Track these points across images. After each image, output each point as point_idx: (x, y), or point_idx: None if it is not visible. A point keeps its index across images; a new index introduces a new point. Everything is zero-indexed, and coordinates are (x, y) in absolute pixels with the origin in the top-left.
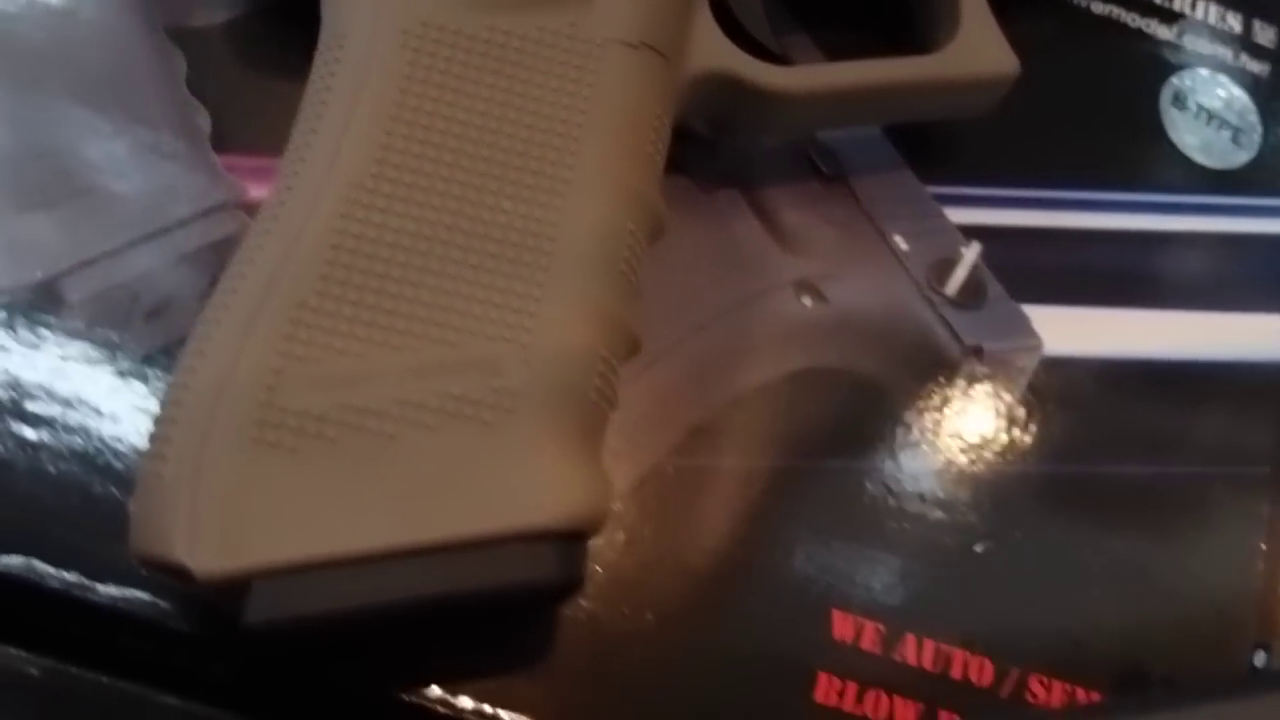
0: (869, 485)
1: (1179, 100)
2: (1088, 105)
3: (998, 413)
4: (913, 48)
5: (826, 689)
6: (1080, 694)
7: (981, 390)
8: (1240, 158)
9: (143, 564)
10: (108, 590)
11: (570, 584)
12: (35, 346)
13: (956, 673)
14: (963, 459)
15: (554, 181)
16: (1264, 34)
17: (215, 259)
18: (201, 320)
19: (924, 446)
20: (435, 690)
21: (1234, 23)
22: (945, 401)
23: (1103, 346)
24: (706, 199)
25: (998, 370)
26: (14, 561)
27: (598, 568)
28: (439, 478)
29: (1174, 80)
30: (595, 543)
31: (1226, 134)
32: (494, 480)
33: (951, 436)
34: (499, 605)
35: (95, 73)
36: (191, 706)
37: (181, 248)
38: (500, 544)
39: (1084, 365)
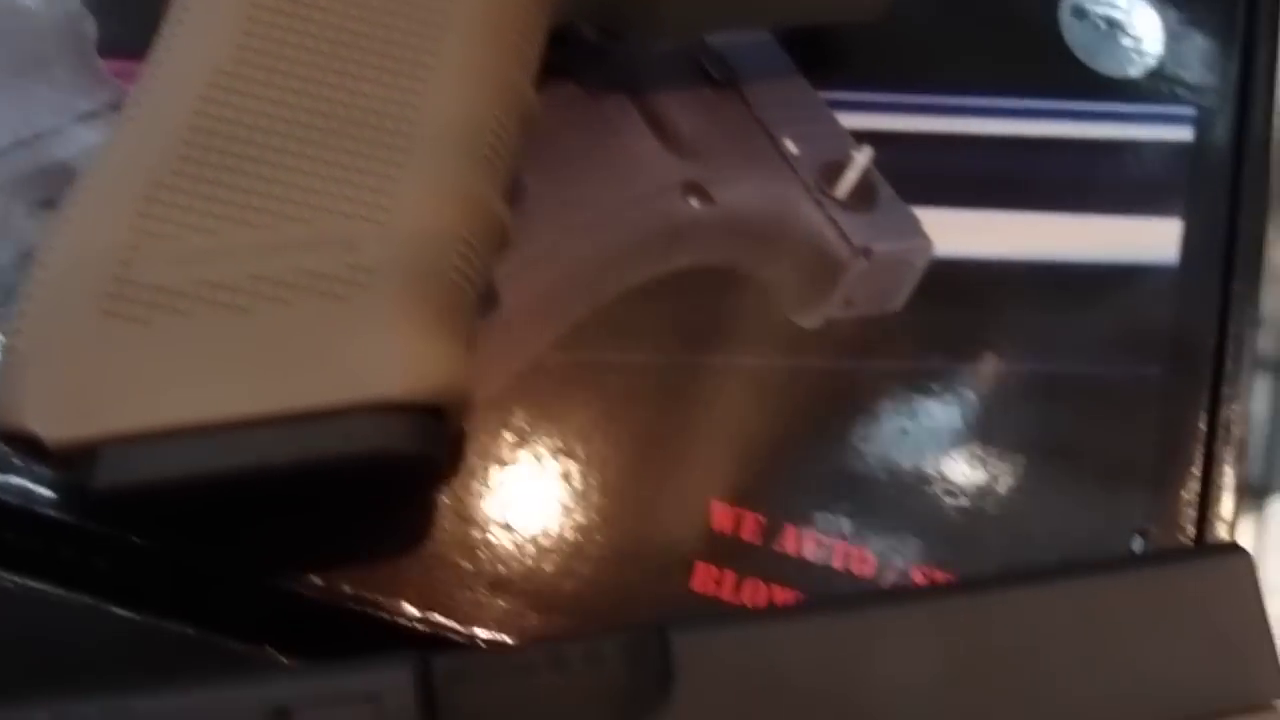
0: (752, 381)
1: (1079, 13)
2: (984, 11)
3: (883, 310)
4: None
5: (704, 578)
6: None
7: (866, 288)
8: (1138, 67)
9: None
10: None
11: (426, 459)
12: None
13: (838, 563)
14: (848, 355)
15: (415, 66)
16: None
17: None
18: (64, 202)
19: (810, 343)
20: (312, 577)
21: None
22: (830, 299)
23: (994, 248)
24: (595, 105)
25: (886, 270)
26: None
27: (476, 457)
28: (291, 349)
29: None
30: (476, 434)
31: (1127, 43)
32: (347, 353)
33: (838, 333)
34: (361, 482)
35: None
36: (75, 598)
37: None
38: (351, 414)
39: (975, 266)
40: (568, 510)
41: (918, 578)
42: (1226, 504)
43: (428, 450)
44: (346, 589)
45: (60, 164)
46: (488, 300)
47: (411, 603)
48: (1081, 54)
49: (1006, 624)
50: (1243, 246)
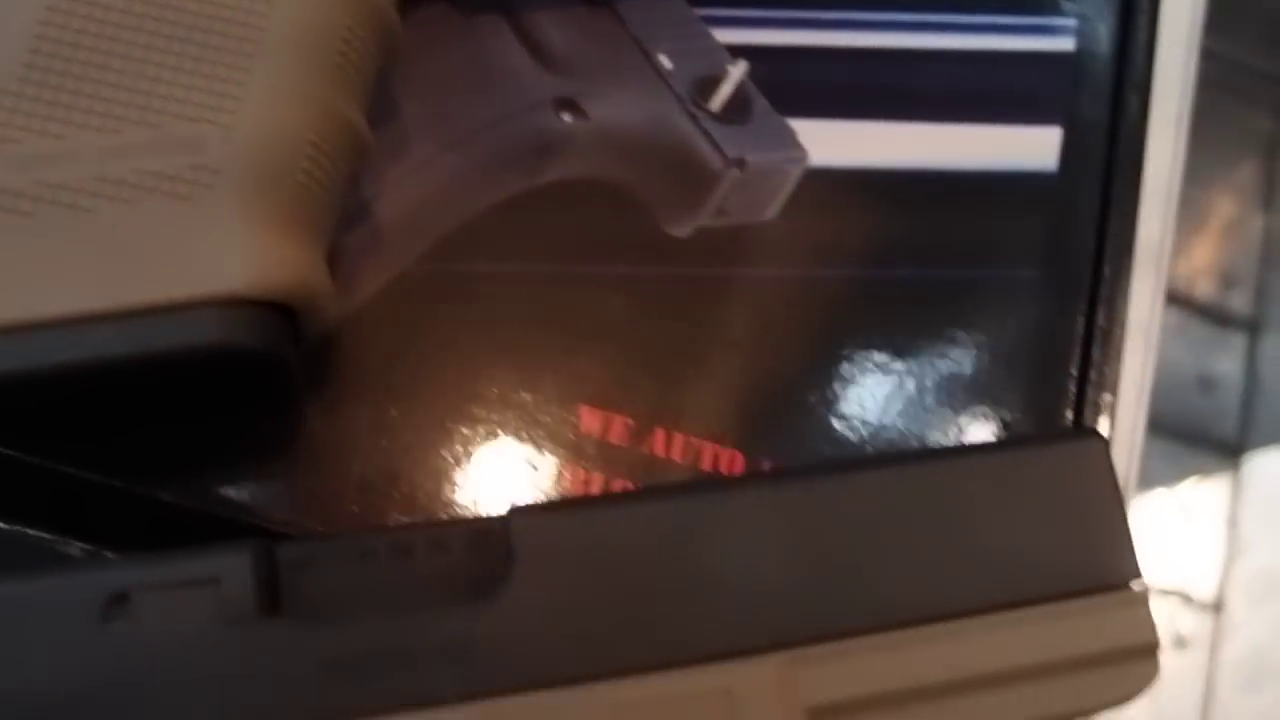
0: (623, 289)
1: None
2: None
3: (756, 219)
4: None
5: (572, 480)
6: None
7: (740, 199)
8: None
9: None
10: None
11: (272, 354)
12: None
13: (707, 464)
14: (719, 263)
15: None
16: None
17: None
18: None
19: (682, 252)
20: (179, 485)
21: None
22: (703, 210)
23: (869, 158)
24: (468, 22)
25: (760, 181)
26: None
27: (345, 366)
28: (135, 248)
29: None
30: (344, 343)
31: None
32: (190, 250)
33: (710, 242)
34: (219, 385)
35: None
36: None
37: None
38: (194, 308)
39: (852, 175)
40: (435, 416)
41: None
42: (1102, 403)
43: (274, 345)
44: (214, 496)
45: None
46: (358, 213)
47: (279, 509)
48: None
49: (858, 506)
50: (1123, 154)
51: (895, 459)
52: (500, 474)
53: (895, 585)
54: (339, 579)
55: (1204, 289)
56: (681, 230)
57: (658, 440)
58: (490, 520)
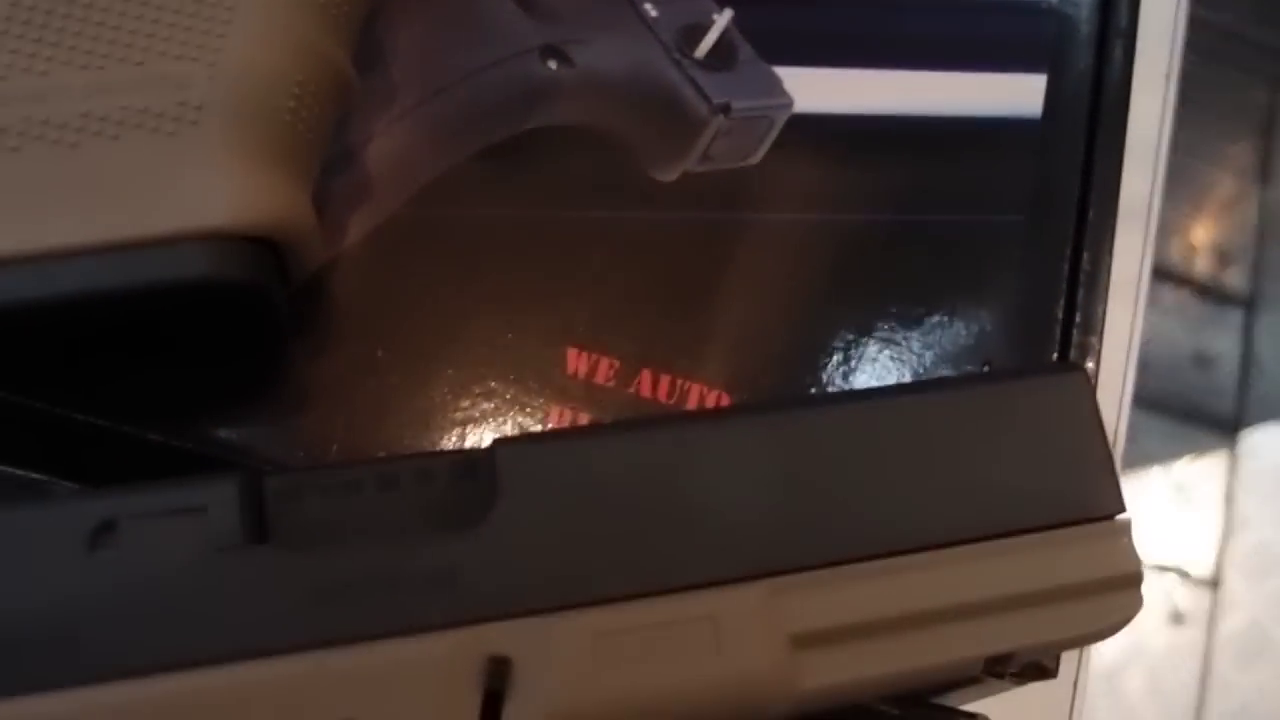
0: (608, 233)
1: None
2: None
3: (742, 164)
4: None
5: (558, 420)
6: None
7: (725, 145)
8: None
9: None
10: None
11: (256, 287)
12: None
13: (694, 405)
14: (705, 208)
15: None
16: None
17: None
18: None
19: (668, 198)
20: (168, 425)
21: None
22: (689, 156)
23: (854, 104)
24: None
25: (745, 127)
26: None
27: (332, 308)
28: (120, 183)
29: None
30: (331, 286)
31: None
32: (175, 185)
33: (696, 187)
34: (205, 321)
35: None
36: None
37: None
38: (179, 242)
39: (837, 121)
40: (422, 358)
41: None
42: (1088, 346)
43: (258, 280)
44: (202, 435)
45: None
46: (343, 159)
47: (266, 448)
48: None
49: (842, 437)
50: (1107, 102)
51: (880, 392)
52: (487, 415)
53: (879, 515)
54: (325, 509)
55: (1200, 266)
56: (667, 176)
57: (644, 381)
58: (475, 451)
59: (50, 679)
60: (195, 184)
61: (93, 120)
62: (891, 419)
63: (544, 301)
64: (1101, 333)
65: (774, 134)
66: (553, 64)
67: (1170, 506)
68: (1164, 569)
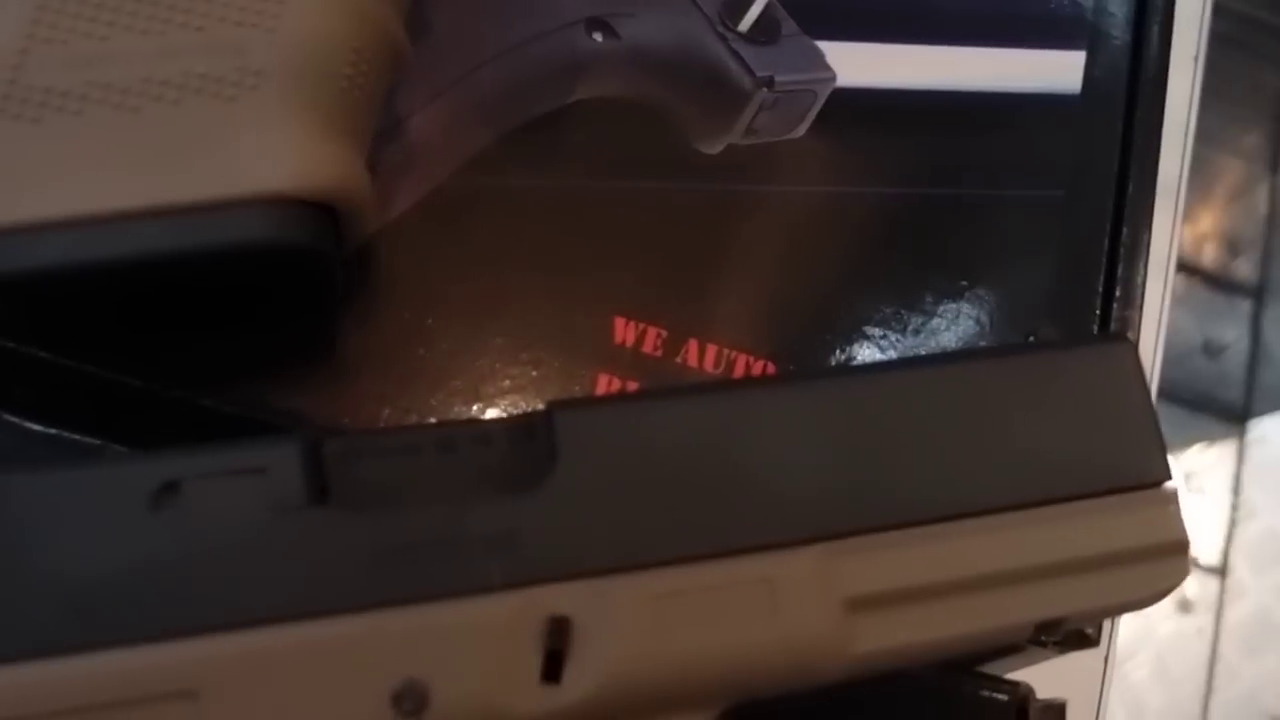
0: (655, 204)
1: None
2: None
3: (786, 137)
4: None
5: (606, 387)
6: None
7: (769, 118)
8: None
9: None
10: None
11: (315, 251)
12: None
13: (740, 374)
14: (750, 180)
15: None
16: None
17: None
18: None
19: (713, 169)
20: (223, 392)
21: None
22: (733, 128)
23: (896, 79)
24: None
25: (788, 100)
26: None
27: (382, 276)
28: (181, 147)
29: None
30: (381, 254)
31: None
32: (235, 149)
33: (741, 159)
34: (259, 287)
35: None
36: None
37: None
38: (240, 206)
39: (880, 95)
40: (472, 326)
41: None
42: (1128, 320)
43: (317, 243)
44: (255, 401)
45: None
46: (393, 130)
47: (319, 414)
48: None
49: (895, 404)
50: (1145, 77)
51: (930, 360)
52: (535, 383)
53: (931, 481)
54: (384, 472)
55: (1210, 255)
56: (713, 148)
57: (691, 351)
58: (533, 415)
59: (115, 636)
60: (255, 148)
61: (153, 85)
62: (943, 386)
63: (591, 271)
64: (1141, 306)
65: (817, 108)
66: (598, 36)
67: (1178, 494)
68: None
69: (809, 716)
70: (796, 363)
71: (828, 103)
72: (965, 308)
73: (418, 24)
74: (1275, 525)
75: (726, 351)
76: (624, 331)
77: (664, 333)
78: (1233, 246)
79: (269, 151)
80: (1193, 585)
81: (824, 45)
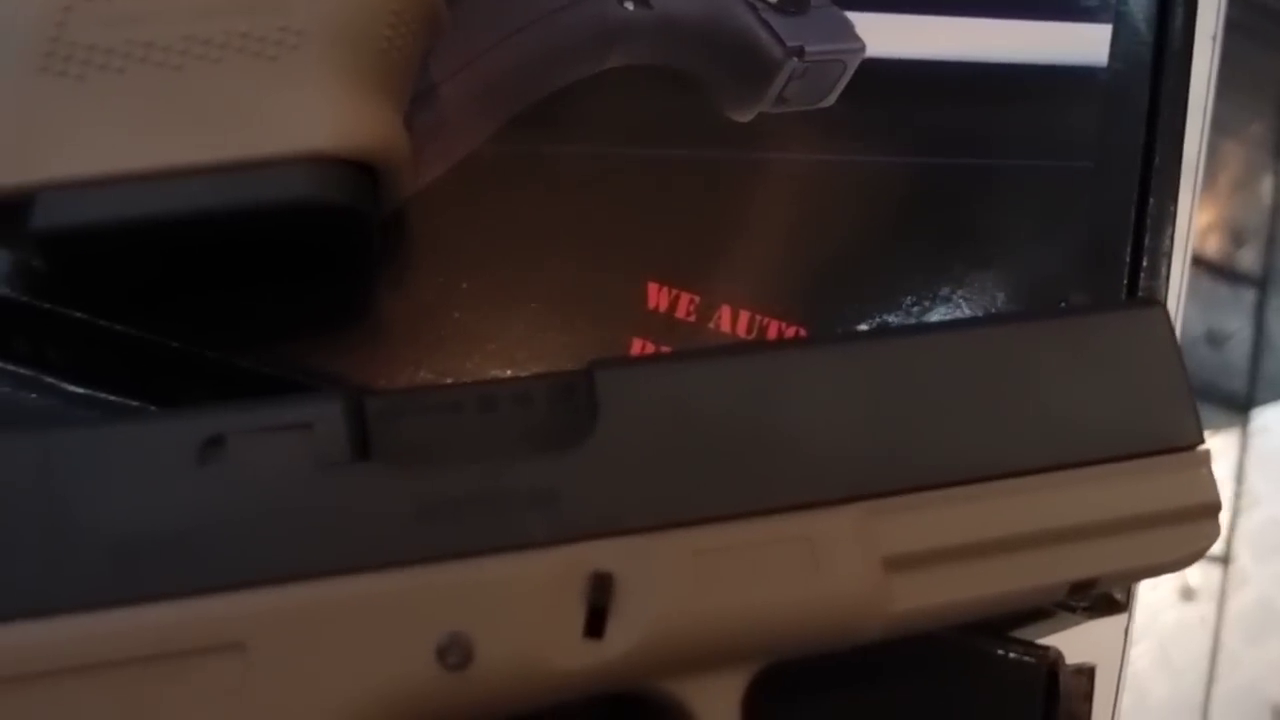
0: (687, 172)
1: None
2: None
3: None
4: None
5: (639, 352)
6: None
7: (799, 87)
8: None
9: None
10: None
11: (354, 211)
12: None
13: (772, 339)
14: (781, 148)
15: None
16: None
17: None
18: None
19: (745, 137)
20: (258, 351)
21: None
22: (764, 97)
23: (929, 50)
24: None
25: (818, 70)
26: None
27: (416, 240)
28: (223, 105)
29: None
30: (415, 219)
31: None
32: (277, 108)
33: (772, 127)
34: (295, 245)
35: None
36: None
37: None
38: (281, 164)
39: (909, 66)
40: (508, 290)
41: None
42: (1155, 290)
43: (357, 202)
44: (291, 362)
45: None
46: (427, 96)
47: (354, 375)
48: None
49: (933, 366)
50: (1170, 50)
51: (967, 323)
52: (570, 348)
53: (968, 442)
54: (426, 429)
55: (1214, 245)
56: (744, 117)
57: (723, 316)
58: (572, 374)
59: (163, 589)
60: (296, 107)
61: (195, 43)
62: (981, 348)
63: (624, 238)
64: (1167, 277)
65: (847, 78)
66: (629, 5)
67: None
68: None
69: (842, 681)
70: (827, 329)
71: (857, 73)
72: (994, 276)
73: None
74: (1278, 514)
75: (758, 318)
76: (657, 297)
77: (696, 298)
78: (1237, 236)
79: (310, 110)
80: (1195, 574)
81: (853, 16)
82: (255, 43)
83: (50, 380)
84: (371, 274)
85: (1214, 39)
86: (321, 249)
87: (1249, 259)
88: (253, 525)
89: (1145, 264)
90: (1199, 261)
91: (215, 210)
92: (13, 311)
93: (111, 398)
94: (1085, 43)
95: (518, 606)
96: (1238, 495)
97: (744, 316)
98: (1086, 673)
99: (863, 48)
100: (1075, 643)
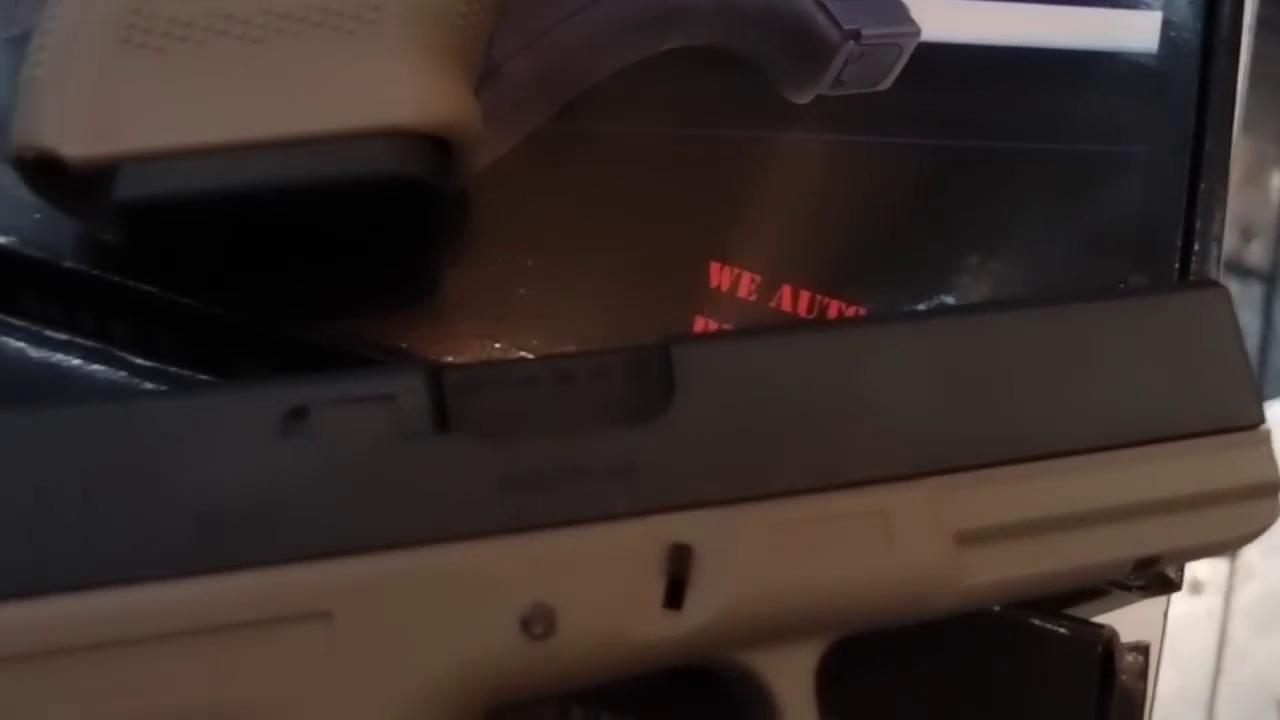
0: (747, 152)
1: None
2: None
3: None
4: None
5: (703, 330)
6: None
7: (856, 70)
8: None
9: (18, 163)
10: None
11: (432, 186)
12: None
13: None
14: (839, 130)
15: None
16: None
17: None
18: None
19: (803, 119)
20: (327, 326)
21: None
22: (822, 79)
23: (982, 35)
24: None
25: (874, 53)
26: None
27: (481, 217)
28: (303, 79)
29: None
30: (480, 196)
31: None
32: (356, 83)
33: (832, 110)
34: (369, 219)
35: None
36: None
37: None
38: (361, 138)
39: (963, 50)
40: (573, 268)
41: None
42: (1203, 274)
43: (435, 177)
44: (360, 338)
45: None
46: (490, 75)
47: (423, 352)
48: None
49: (1001, 344)
50: (1219, 36)
51: (1035, 301)
52: (634, 325)
53: (1036, 419)
54: (504, 402)
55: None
56: (802, 98)
57: (784, 296)
58: (649, 349)
59: (251, 558)
60: (374, 81)
61: (275, 17)
62: (1048, 327)
63: (686, 217)
64: (1219, 261)
65: (903, 61)
66: None
67: None
68: None
69: (904, 655)
70: (887, 309)
71: (913, 56)
72: (1049, 259)
73: None
74: None
75: (819, 297)
76: (719, 276)
77: (758, 278)
78: (1245, 232)
79: (389, 85)
80: (1203, 567)
81: (908, 1)
82: (334, 17)
83: (119, 353)
84: (439, 250)
85: (1250, 28)
86: (392, 224)
87: (1257, 254)
88: (337, 495)
89: (1196, 248)
90: None
91: (296, 183)
92: (81, 284)
93: (182, 372)
94: (1136, 29)
95: (599, 578)
96: None
97: (804, 296)
98: (1142, 650)
99: (918, 31)
100: (1117, 622)
